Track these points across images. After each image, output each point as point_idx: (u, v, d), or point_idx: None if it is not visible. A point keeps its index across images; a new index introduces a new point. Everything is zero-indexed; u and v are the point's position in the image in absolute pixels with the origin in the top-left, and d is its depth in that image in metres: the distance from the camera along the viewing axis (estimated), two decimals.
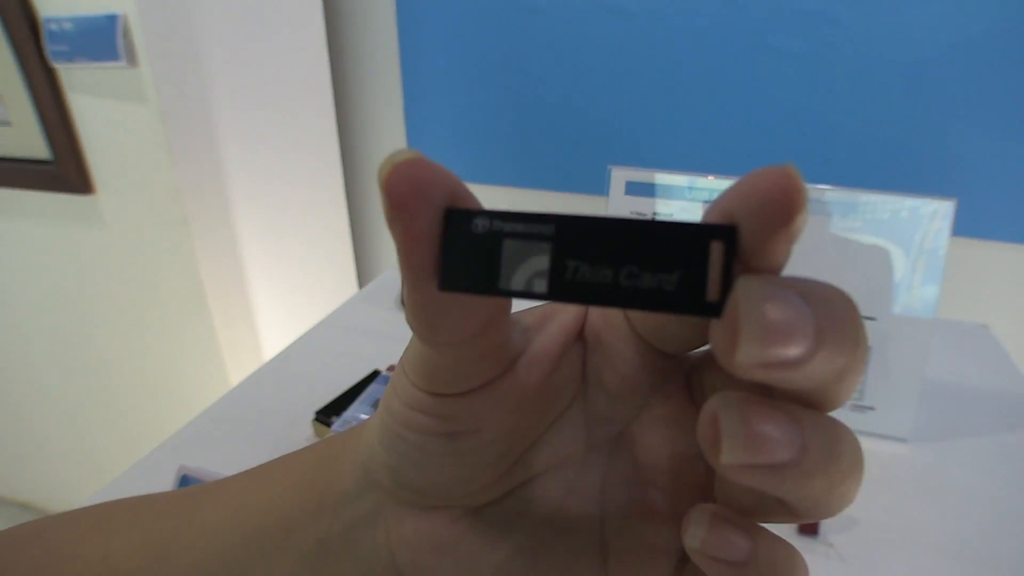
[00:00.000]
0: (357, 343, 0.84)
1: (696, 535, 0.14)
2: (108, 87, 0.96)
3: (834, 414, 0.13)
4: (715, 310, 0.11)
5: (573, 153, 1.23)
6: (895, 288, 0.61)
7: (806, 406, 0.12)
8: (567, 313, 0.17)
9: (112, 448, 1.39)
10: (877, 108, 1.04)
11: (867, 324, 0.62)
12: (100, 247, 1.11)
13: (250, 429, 0.68)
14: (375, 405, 0.67)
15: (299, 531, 0.19)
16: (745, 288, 0.10)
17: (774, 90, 1.08)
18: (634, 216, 0.66)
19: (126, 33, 0.90)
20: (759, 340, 0.10)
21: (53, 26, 0.93)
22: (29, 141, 1.03)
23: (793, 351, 0.10)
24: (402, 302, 0.20)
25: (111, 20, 0.90)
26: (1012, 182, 1.02)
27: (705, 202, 0.66)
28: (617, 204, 0.69)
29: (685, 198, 0.67)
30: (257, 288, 1.18)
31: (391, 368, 0.75)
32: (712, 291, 0.11)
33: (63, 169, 1.03)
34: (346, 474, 0.19)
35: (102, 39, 0.91)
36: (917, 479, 0.60)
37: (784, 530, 0.54)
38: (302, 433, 0.67)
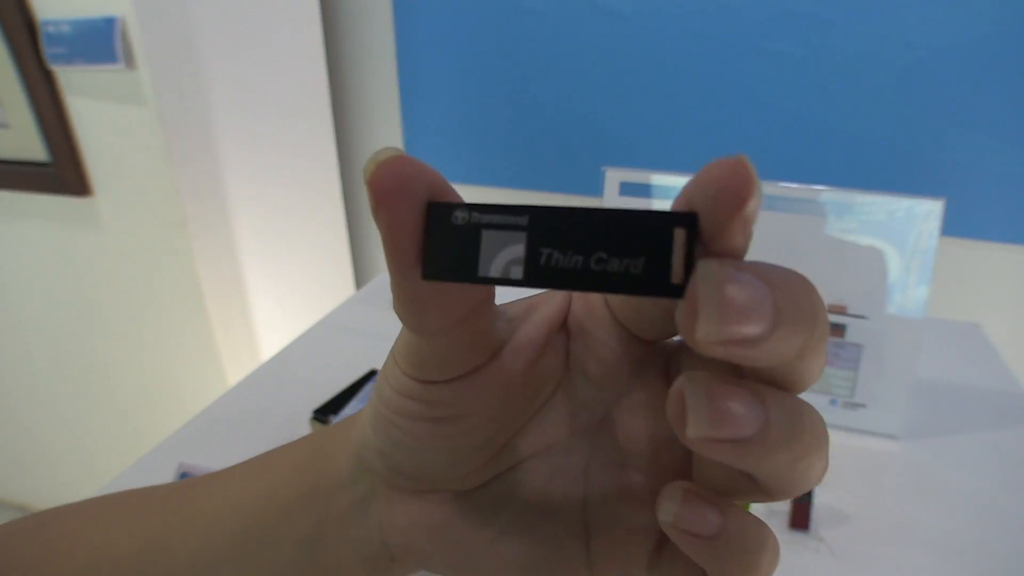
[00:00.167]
0: (354, 343, 0.85)
1: (669, 510, 0.14)
2: (106, 89, 0.96)
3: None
4: (679, 291, 0.11)
5: (568, 154, 1.24)
6: (890, 288, 0.62)
7: (776, 387, 0.13)
8: (551, 304, 0.18)
9: (111, 450, 1.39)
10: (870, 110, 1.05)
11: (859, 323, 0.62)
12: (98, 249, 1.12)
13: (248, 429, 0.69)
14: None
15: (295, 518, 0.20)
16: (705, 270, 0.11)
17: (768, 92, 1.09)
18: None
19: (124, 36, 0.91)
20: (717, 318, 0.11)
21: (51, 28, 0.93)
22: (27, 143, 1.04)
23: (750, 329, 0.11)
24: None
25: (109, 23, 0.90)
26: (1003, 183, 1.03)
27: None
28: (611, 205, 0.70)
29: None
30: (255, 289, 1.19)
31: None
32: (676, 274, 0.11)
33: (61, 171, 1.03)
34: (340, 462, 0.20)
35: (100, 42, 0.91)
36: (907, 476, 0.61)
37: (776, 525, 0.55)
38: (300, 432, 0.67)
